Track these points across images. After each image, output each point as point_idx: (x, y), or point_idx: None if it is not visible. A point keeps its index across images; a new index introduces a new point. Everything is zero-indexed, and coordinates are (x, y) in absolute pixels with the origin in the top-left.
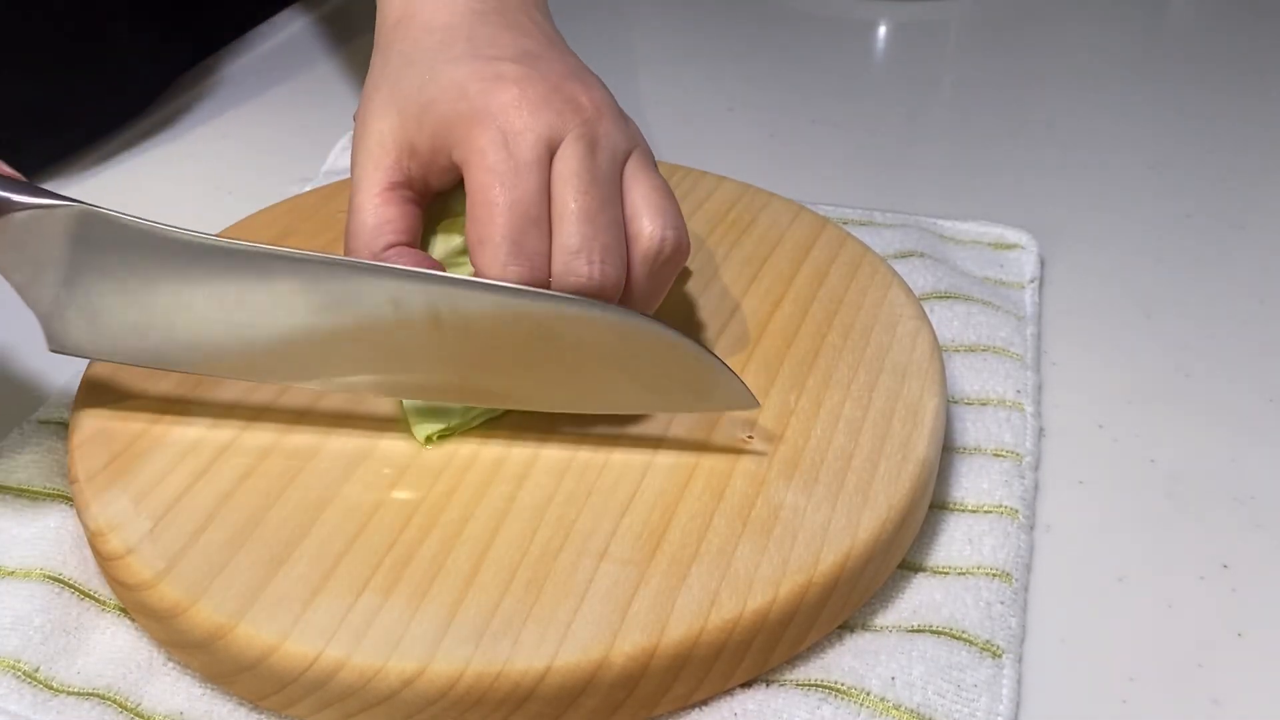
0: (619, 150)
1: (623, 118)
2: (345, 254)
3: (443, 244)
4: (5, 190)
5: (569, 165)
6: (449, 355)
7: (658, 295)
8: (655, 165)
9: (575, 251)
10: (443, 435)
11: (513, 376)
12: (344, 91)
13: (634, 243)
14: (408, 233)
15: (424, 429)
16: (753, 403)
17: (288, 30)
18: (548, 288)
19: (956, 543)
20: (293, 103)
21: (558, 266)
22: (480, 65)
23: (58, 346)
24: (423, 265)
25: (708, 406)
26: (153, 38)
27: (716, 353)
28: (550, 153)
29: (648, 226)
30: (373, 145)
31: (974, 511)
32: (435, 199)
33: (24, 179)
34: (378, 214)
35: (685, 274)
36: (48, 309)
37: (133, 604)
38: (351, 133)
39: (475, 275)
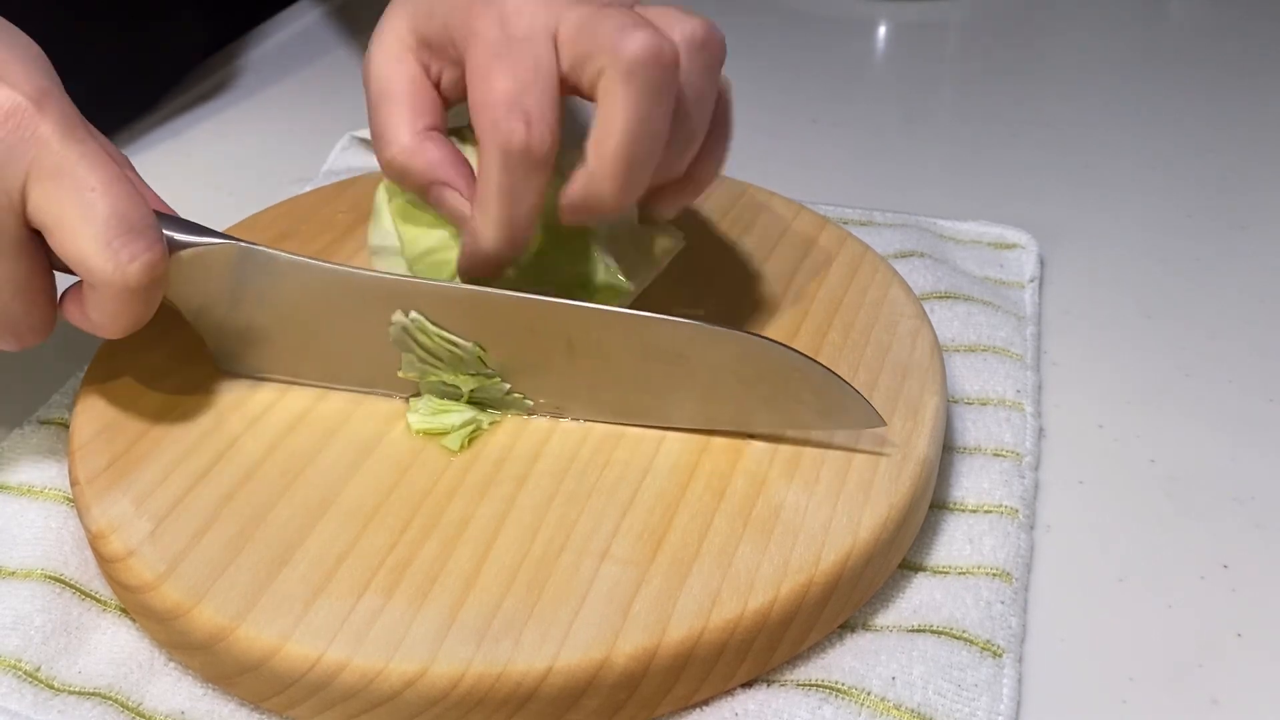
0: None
1: (632, 13)
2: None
3: (412, 244)
4: (172, 230)
5: (577, 18)
6: (581, 376)
7: (709, 96)
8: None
9: (618, 30)
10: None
11: (644, 395)
12: (344, 92)
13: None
14: (451, 165)
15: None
16: (879, 421)
17: (287, 31)
18: (549, 149)
19: (957, 542)
20: (292, 103)
21: (608, 54)
22: None
23: (226, 367)
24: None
25: (835, 425)
26: (152, 40)
27: None
28: (550, 33)
29: (678, 27)
30: (392, 42)
31: (974, 511)
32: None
33: (184, 219)
34: (418, 157)
35: (685, 274)
36: (215, 334)
37: (134, 605)
38: (350, 134)
39: (476, 154)
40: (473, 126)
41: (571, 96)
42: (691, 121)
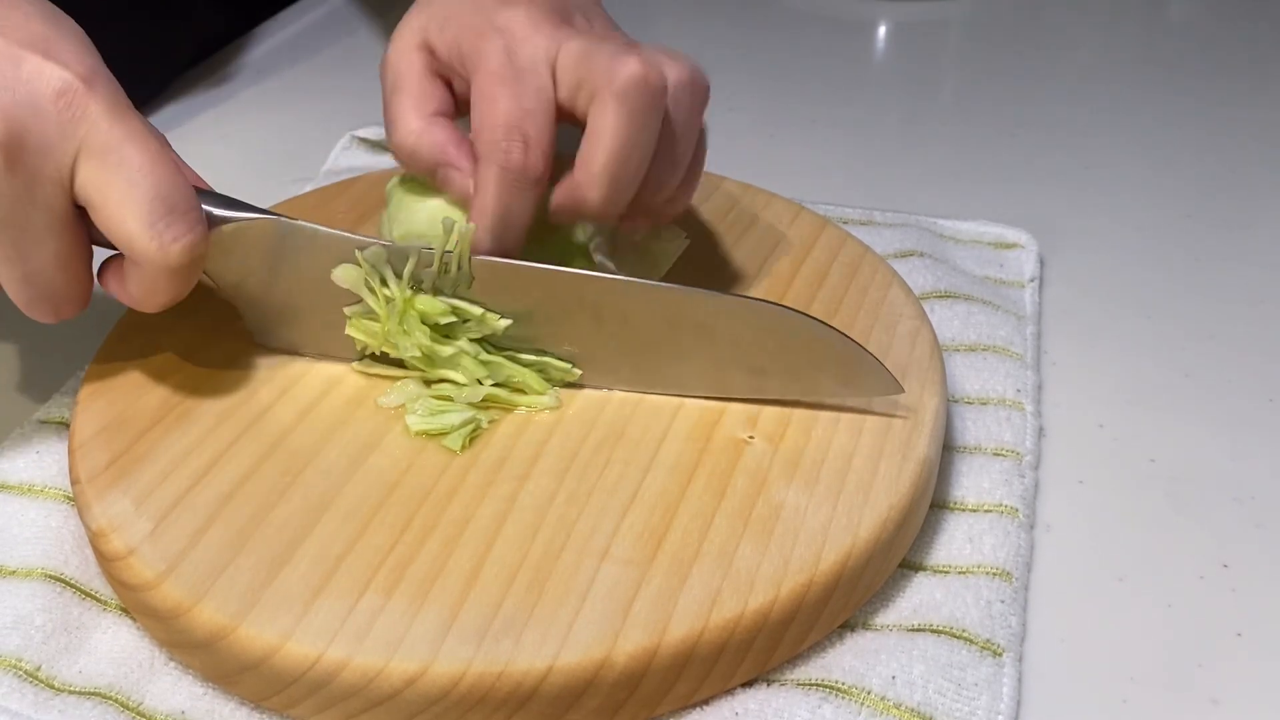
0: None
1: (627, 40)
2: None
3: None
4: (212, 206)
5: (575, 51)
6: (604, 342)
7: (692, 132)
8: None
9: (613, 55)
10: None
11: (669, 364)
12: (345, 92)
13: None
14: (456, 147)
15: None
16: (898, 388)
17: (288, 31)
18: (544, 171)
19: (957, 542)
20: (293, 103)
21: (601, 78)
22: None
23: (263, 340)
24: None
25: (854, 393)
26: (151, 39)
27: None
28: (550, 62)
29: (671, 70)
30: (408, 41)
31: (974, 510)
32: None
33: (223, 195)
34: (426, 137)
35: (685, 274)
36: (251, 308)
37: (134, 604)
38: (350, 134)
39: (475, 168)
40: (473, 144)
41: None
42: (676, 152)
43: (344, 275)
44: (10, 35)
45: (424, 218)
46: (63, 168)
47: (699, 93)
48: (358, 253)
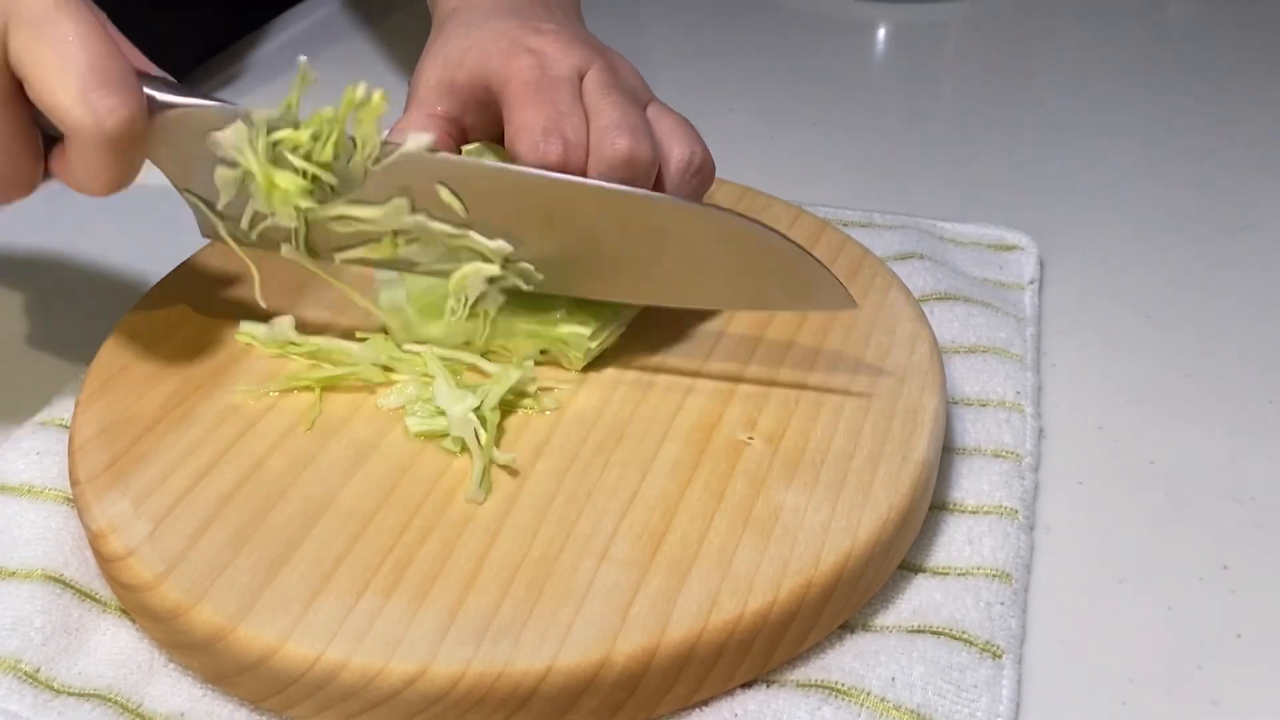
0: (640, 92)
1: (642, 79)
2: None
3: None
4: (156, 90)
5: (598, 79)
6: (561, 246)
7: None
8: (679, 115)
9: (613, 126)
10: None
11: (623, 271)
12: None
13: (665, 163)
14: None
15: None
16: (851, 303)
17: (288, 31)
18: (583, 173)
19: (956, 543)
20: None
21: (595, 140)
22: (521, 22)
23: (207, 233)
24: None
25: (808, 306)
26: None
27: (713, 360)
28: (580, 78)
29: (677, 148)
30: (420, 87)
31: (974, 512)
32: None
33: (173, 79)
34: (437, 127)
35: None
36: (196, 200)
37: (134, 605)
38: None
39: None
40: (510, 152)
41: None
42: None
43: (225, 137)
44: None
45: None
46: None
47: (706, 177)
48: (251, 113)
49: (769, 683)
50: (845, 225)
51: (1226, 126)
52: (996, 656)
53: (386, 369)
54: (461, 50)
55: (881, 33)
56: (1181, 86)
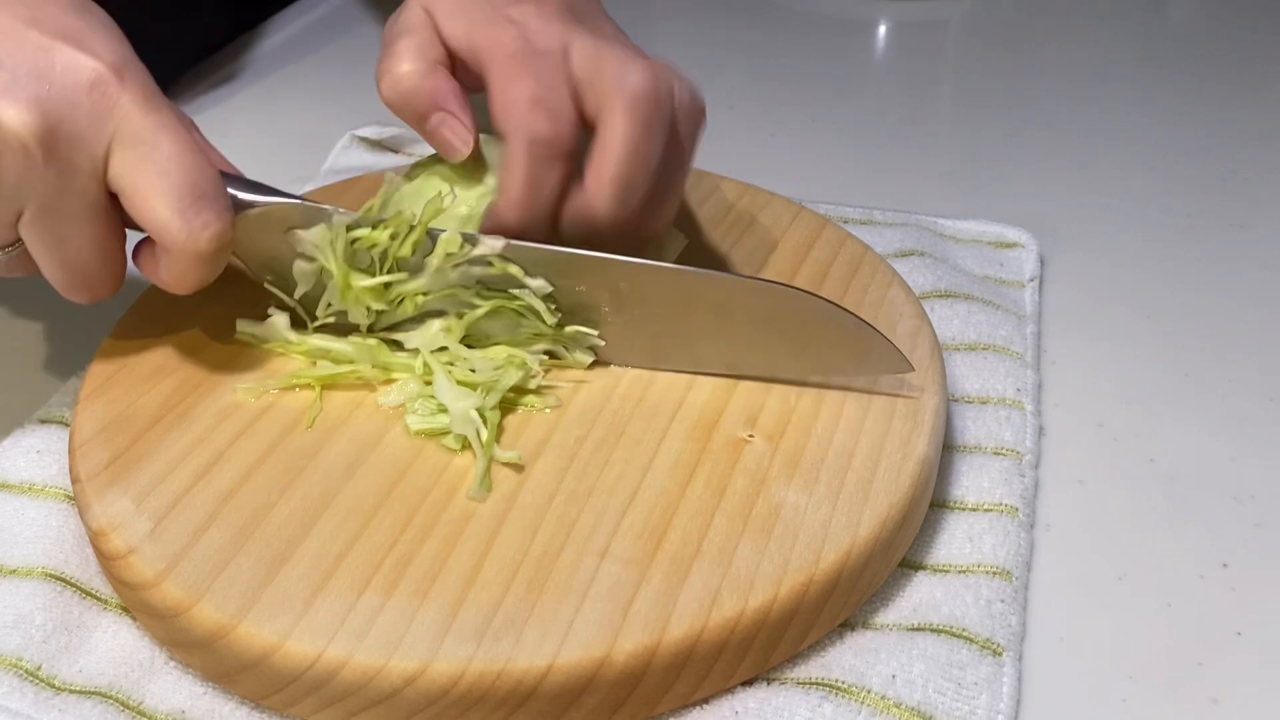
0: (629, 45)
1: (633, 47)
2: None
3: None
4: (238, 190)
5: (586, 47)
6: (628, 323)
7: (690, 149)
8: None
9: (625, 62)
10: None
11: (685, 343)
12: (345, 91)
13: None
14: (457, 98)
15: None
16: (907, 366)
17: (287, 30)
18: (570, 143)
19: (957, 541)
20: (293, 102)
21: (610, 84)
22: None
23: (307, 317)
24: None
25: (865, 371)
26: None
27: None
28: (566, 50)
29: (676, 84)
30: (414, 9)
31: (974, 510)
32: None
33: (249, 179)
34: (428, 81)
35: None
36: (273, 289)
37: (134, 603)
38: (350, 134)
39: (504, 139)
40: (497, 127)
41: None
42: (674, 167)
43: (308, 235)
44: (43, 27)
45: (410, 191)
46: (96, 158)
47: (697, 113)
48: (333, 215)
49: (769, 681)
50: (846, 222)
51: (1226, 125)
52: (997, 654)
53: (384, 368)
54: (450, 6)
55: (881, 31)
56: (1181, 86)
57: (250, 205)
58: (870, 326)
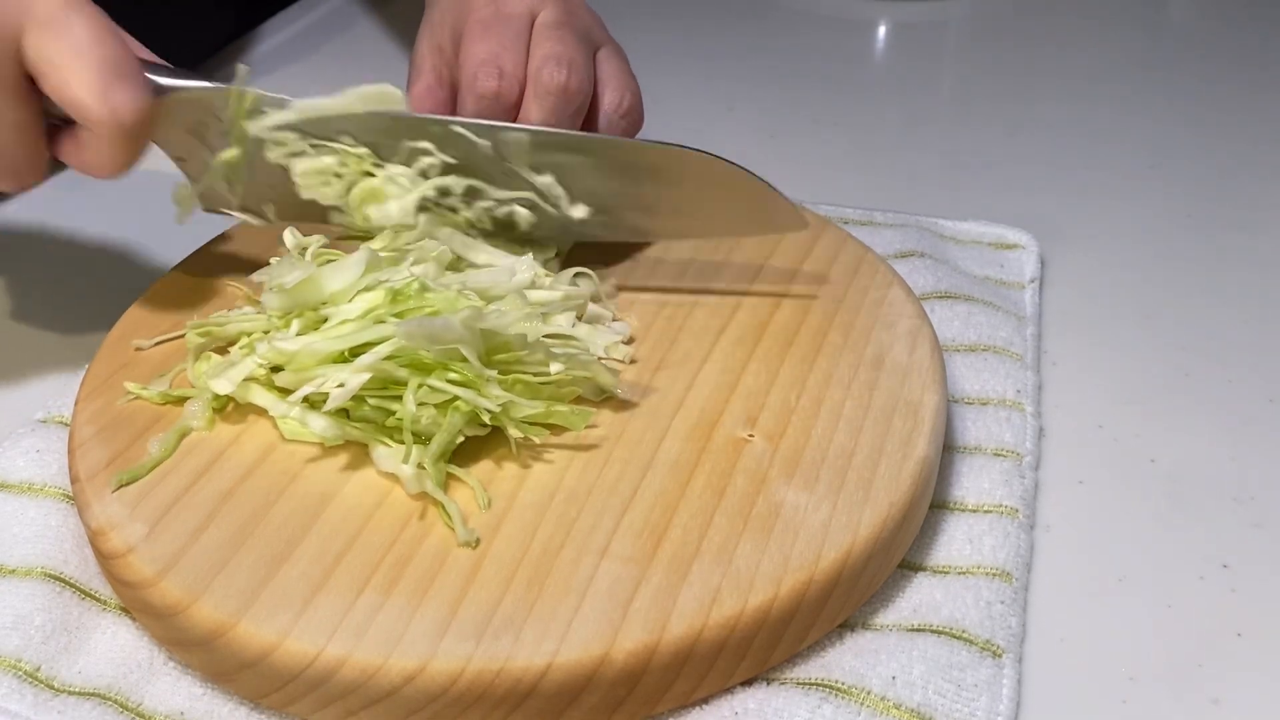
0: (594, 33)
1: (605, 29)
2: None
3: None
4: (159, 76)
5: (549, 18)
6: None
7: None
8: (627, 62)
9: (551, 58)
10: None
11: (606, 210)
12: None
13: (599, 101)
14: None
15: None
16: (802, 224)
17: (287, 30)
18: (516, 98)
19: (957, 542)
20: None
21: (533, 69)
22: None
23: (209, 207)
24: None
25: (761, 228)
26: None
27: (718, 348)
28: (532, 16)
29: (610, 90)
30: (416, 56)
31: (974, 511)
32: None
33: (170, 65)
34: (433, 97)
35: (686, 274)
36: (198, 177)
37: (133, 602)
38: None
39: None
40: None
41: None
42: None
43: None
44: None
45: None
46: (8, 38)
47: (634, 121)
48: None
49: (769, 681)
50: (846, 223)
51: (1226, 126)
52: (997, 655)
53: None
54: (443, 13)
55: (881, 31)
56: (1181, 86)
57: (170, 89)
58: (765, 182)
